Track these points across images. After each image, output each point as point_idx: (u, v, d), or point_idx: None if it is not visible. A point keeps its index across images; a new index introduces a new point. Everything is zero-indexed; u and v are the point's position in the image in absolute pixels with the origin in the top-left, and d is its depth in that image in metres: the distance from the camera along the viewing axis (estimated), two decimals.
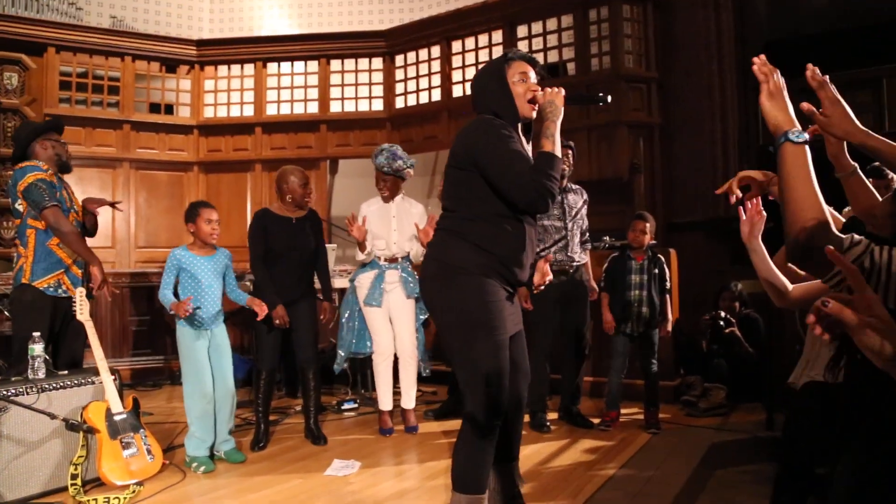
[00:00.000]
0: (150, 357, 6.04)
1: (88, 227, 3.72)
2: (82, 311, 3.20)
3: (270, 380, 3.79)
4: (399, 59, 6.99)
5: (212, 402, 3.37)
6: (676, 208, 5.80)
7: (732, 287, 4.91)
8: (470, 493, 2.21)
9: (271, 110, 7.14)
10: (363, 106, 7.09)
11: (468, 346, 2.21)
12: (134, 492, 2.91)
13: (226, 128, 7.10)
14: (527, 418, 3.80)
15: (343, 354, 4.25)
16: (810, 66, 1.48)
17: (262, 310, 3.49)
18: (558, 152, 2.25)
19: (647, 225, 4.03)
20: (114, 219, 6.43)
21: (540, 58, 5.67)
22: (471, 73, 6.36)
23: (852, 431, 1.45)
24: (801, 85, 1.53)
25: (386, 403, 4.07)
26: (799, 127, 1.36)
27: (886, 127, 5.19)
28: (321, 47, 7.05)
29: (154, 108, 6.95)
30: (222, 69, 7.18)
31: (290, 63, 7.14)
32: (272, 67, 7.15)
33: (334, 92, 7.09)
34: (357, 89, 7.10)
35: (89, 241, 3.61)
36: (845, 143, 1.67)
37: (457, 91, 6.56)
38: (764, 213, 2.00)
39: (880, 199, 1.72)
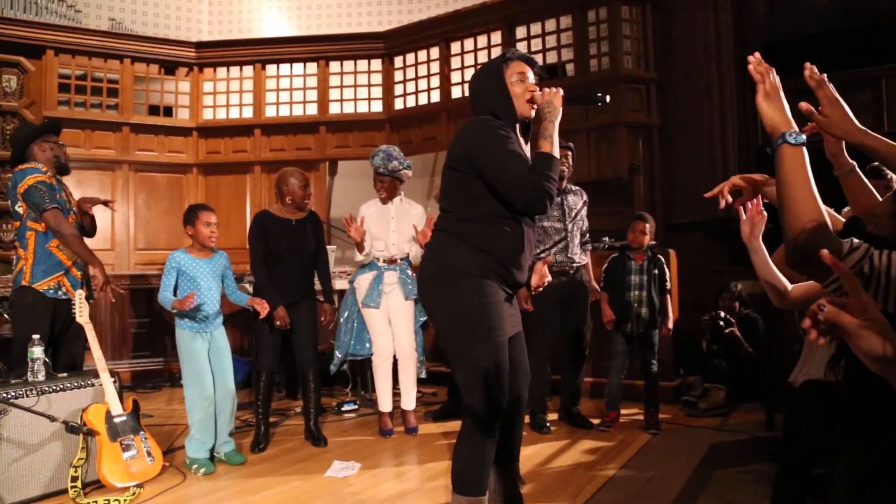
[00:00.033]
0: (149, 359, 6.04)
1: (87, 228, 3.72)
2: (81, 313, 3.20)
3: (270, 381, 3.79)
4: (398, 61, 7.00)
5: (213, 404, 3.37)
6: (676, 209, 5.80)
7: (732, 287, 4.92)
8: (470, 494, 2.21)
9: (270, 112, 7.14)
10: (362, 107, 7.09)
11: (467, 347, 2.20)
12: (134, 494, 2.91)
13: (225, 130, 7.11)
14: (527, 419, 3.79)
15: (339, 355, 4.24)
16: (808, 64, 1.47)
17: (263, 308, 3.49)
18: (556, 153, 2.24)
19: (647, 226, 4.03)
20: (113, 221, 6.43)
21: (539, 59, 5.67)
22: (470, 74, 6.35)
23: (852, 431, 1.44)
24: (801, 85, 1.52)
25: (386, 405, 4.06)
26: (796, 128, 1.34)
27: (885, 127, 5.20)
28: (320, 49, 7.06)
29: (153, 110, 6.95)
30: (221, 71, 7.18)
31: (289, 65, 7.14)
32: (271, 69, 7.15)
33: (333, 93, 7.10)
34: (356, 91, 7.10)
35: (88, 243, 3.61)
36: (843, 142, 1.67)
37: (456, 92, 6.56)
38: (765, 214, 1.98)
39: (880, 198, 1.72)
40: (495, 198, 2.23)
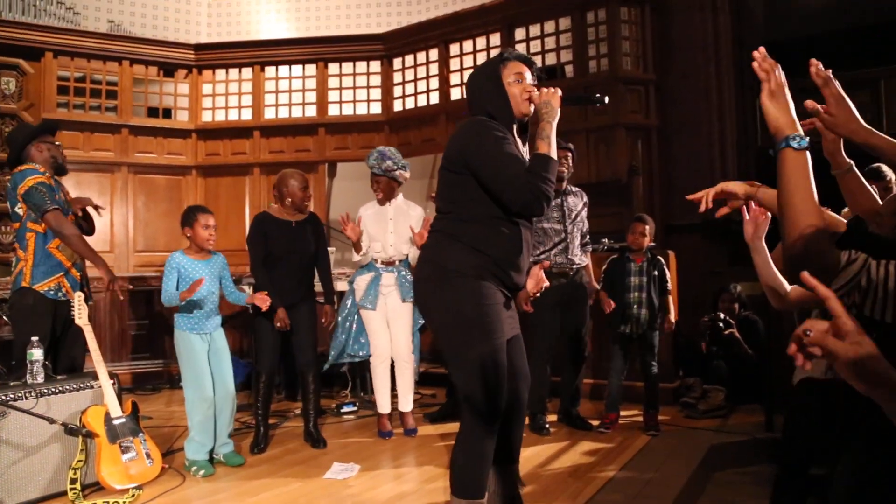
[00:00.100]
0: (149, 361, 6.03)
1: (85, 227, 3.71)
2: (81, 315, 3.19)
3: (270, 383, 3.79)
4: (397, 63, 7.00)
5: (212, 406, 3.36)
6: (675, 210, 5.79)
7: (731, 289, 4.91)
8: (469, 497, 2.20)
9: (269, 114, 7.15)
10: (361, 109, 7.10)
11: (465, 349, 2.19)
12: (133, 496, 2.90)
13: (224, 132, 7.11)
14: (526, 421, 3.79)
15: (333, 354, 4.22)
16: (814, 61, 1.42)
17: (264, 301, 3.47)
18: (554, 154, 2.22)
19: (647, 227, 4.03)
20: (112, 223, 6.44)
21: (538, 60, 5.66)
22: None
23: (852, 431, 1.44)
24: (801, 85, 1.49)
25: (384, 406, 4.06)
26: (801, 131, 1.29)
27: (885, 128, 5.21)
28: (319, 51, 7.06)
29: (152, 112, 6.95)
30: (220, 73, 7.19)
31: (287, 67, 7.15)
32: (270, 71, 7.16)
33: (332, 95, 7.10)
34: (355, 92, 7.11)
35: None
36: (842, 140, 1.65)
37: (455, 94, 6.56)
38: (769, 214, 1.96)
39: (878, 198, 1.72)
40: (492, 199, 2.21)
